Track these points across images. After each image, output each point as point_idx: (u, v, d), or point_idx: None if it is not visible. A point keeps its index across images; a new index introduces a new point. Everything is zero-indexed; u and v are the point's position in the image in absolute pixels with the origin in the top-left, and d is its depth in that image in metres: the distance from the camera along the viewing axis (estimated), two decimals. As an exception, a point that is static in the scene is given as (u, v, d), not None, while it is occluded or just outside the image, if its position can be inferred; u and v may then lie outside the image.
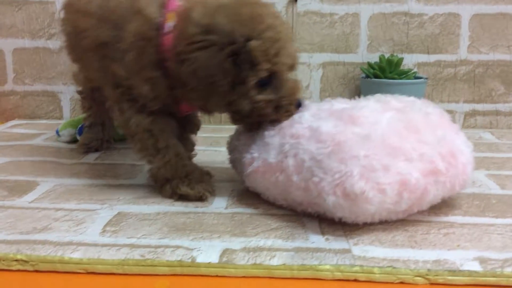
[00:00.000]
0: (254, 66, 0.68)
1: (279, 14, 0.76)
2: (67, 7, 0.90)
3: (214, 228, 0.66)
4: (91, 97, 1.04)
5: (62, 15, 0.93)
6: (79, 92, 1.07)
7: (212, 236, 0.64)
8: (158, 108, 0.75)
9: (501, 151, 1.11)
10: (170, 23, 0.72)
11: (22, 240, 0.62)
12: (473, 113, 1.36)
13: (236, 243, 0.62)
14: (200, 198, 0.76)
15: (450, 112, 1.33)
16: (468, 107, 1.36)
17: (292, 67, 0.73)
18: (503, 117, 1.36)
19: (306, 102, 0.76)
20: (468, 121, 1.37)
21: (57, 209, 0.72)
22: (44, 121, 1.38)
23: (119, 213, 0.71)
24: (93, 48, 0.79)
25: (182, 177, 0.76)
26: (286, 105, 0.72)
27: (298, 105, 0.74)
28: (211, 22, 0.67)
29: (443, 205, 0.77)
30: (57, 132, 1.14)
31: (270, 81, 0.71)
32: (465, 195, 0.82)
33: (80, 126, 1.12)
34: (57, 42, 1.37)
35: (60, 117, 1.41)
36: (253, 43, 0.67)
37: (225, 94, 0.69)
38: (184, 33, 0.68)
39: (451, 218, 0.72)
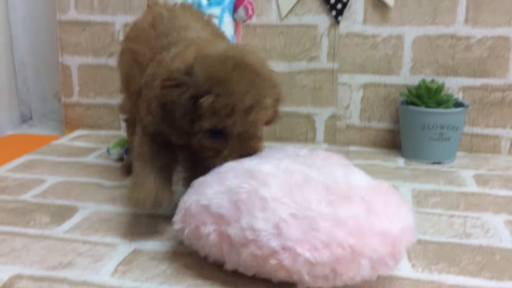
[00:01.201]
0: (203, 117, 0.76)
1: (264, 71, 0.78)
2: (126, 40, 1.01)
3: (214, 273, 0.73)
4: (134, 124, 1.14)
5: (122, 45, 1.03)
6: (125, 120, 1.18)
7: (205, 284, 0.71)
8: (162, 140, 0.84)
9: (536, 189, 1.08)
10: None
11: (46, 277, 0.73)
12: (521, 140, 1.31)
13: (225, 293, 0.68)
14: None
15: (496, 137, 1.31)
16: (516, 133, 1.31)
17: (251, 126, 0.77)
18: (554, 145, 1.30)
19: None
20: (515, 147, 1.32)
21: (85, 242, 0.83)
22: (104, 132, 1.52)
23: (134, 250, 0.80)
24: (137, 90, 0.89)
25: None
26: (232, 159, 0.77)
27: None
28: (189, 68, 0.76)
29: (442, 259, 0.78)
30: (108, 150, 1.26)
31: (222, 133, 0.77)
32: (471, 247, 0.82)
33: (127, 146, 1.23)
34: (116, 60, 1.49)
35: (118, 128, 1.54)
36: (206, 99, 0.74)
37: (184, 127, 0.78)
38: (166, 71, 0.78)
39: (442, 277, 0.73)
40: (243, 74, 0.75)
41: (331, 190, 0.67)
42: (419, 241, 0.84)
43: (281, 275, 0.65)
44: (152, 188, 0.81)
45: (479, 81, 1.31)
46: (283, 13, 1.36)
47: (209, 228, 0.69)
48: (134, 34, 0.97)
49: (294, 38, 1.37)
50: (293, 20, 1.37)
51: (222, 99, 0.74)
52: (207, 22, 0.98)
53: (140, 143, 0.87)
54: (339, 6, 1.33)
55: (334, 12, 1.33)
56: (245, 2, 1.18)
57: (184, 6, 1.00)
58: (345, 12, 1.33)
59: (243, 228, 0.66)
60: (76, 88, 1.55)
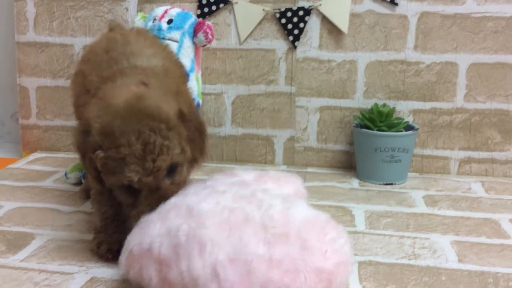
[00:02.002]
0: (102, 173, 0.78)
1: (159, 116, 0.76)
2: (80, 62, 1.00)
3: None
4: None
5: (76, 67, 1.03)
6: None
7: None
8: None
9: (481, 209, 1.13)
10: None
11: (0, 308, 0.72)
12: (469, 160, 1.38)
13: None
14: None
15: (445, 158, 1.37)
16: (463, 154, 1.38)
17: (151, 176, 0.75)
18: (499, 165, 1.37)
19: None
20: (463, 167, 1.38)
21: (41, 271, 0.83)
22: (62, 155, 1.51)
23: (91, 279, 0.81)
24: None
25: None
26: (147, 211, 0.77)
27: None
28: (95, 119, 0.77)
29: (391, 280, 0.82)
30: (66, 174, 1.26)
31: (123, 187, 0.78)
32: (419, 268, 0.86)
33: (84, 170, 1.23)
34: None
35: (78, 150, 1.53)
36: (97, 154, 0.76)
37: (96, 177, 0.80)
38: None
39: (390, 299, 0.77)
40: (132, 123, 0.74)
41: (268, 228, 0.68)
42: (370, 263, 0.88)
43: None
44: (114, 241, 0.86)
45: (428, 105, 1.37)
46: (242, 37, 1.40)
47: (151, 272, 0.70)
48: (87, 58, 0.96)
49: (253, 61, 1.41)
50: (252, 44, 1.40)
51: (110, 152, 0.74)
52: (162, 47, 0.98)
53: (91, 183, 0.89)
54: (296, 31, 1.37)
55: (291, 38, 1.38)
56: (205, 27, 1.21)
57: (139, 31, 1.00)
58: (302, 37, 1.38)
59: (182, 272, 0.67)
60: (34, 110, 1.53)
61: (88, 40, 1.46)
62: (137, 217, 0.77)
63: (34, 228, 0.99)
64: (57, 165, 1.40)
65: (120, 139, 0.73)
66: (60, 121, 1.53)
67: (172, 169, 0.78)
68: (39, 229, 0.99)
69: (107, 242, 0.87)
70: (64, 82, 1.50)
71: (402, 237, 0.99)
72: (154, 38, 1.03)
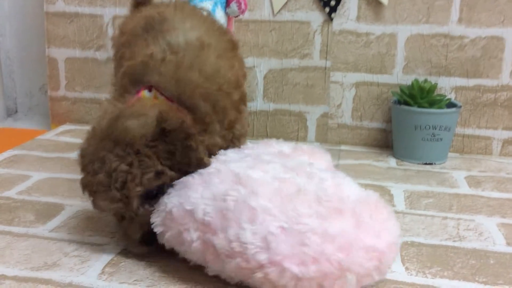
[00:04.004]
0: None
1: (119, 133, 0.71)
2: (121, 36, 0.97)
3: (203, 276, 0.71)
4: None
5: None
6: None
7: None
8: None
9: (529, 191, 1.07)
10: None
11: (30, 277, 0.70)
12: (513, 141, 1.31)
13: (216, 297, 0.67)
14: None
15: (487, 138, 1.30)
16: (507, 134, 1.31)
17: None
18: (545, 147, 1.30)
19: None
20: (506, 148, 1.31)
21: (71, 242, 0.81)
22: (91, 127, 1.49)
23: (122, 251, 0.78)
24: None
25: None
26: None
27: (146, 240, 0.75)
28: None
29: (436, 262, 0.77)
30: (95, 146, 1.23)
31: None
32: (464, 250, 0.81)
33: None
34: (104, 54, 1.46)
35: (106, 123, 1.51)
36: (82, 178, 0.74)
37: None
38: None
39: (436, 281, 0.72)
40: (100, 150, 0.70)
41: (322, 202, 0.65)
42: (413, 244, 0.83)
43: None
44: None
45: (472, 82, 1.30)
46: (276, 8, 1.34)
47: (192, 235, 0.67)
48: (127, 40, 0.90)
49: (287, 34, 1.36)
50: (286, 16, 1.35)
51: (85, 178, 0.73)
52: (203, 19, 0.92)
53: None
54: (332, 2, 1.31)
55: (327, 9, 1.32)
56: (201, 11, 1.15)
57: (177, 4, 0.94)
58: (339, 9, 1.31)
59: (229, 239, 0.64)
60: (63, 82, 1.51)
61: (118, 11, 1.42)
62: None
63: (63, 199, 0.97)
64: (86, 137, 1.38)
65: (90, 166, 0.71)
66: (89, 93, 1.50)
67: (152, 193, 0.72)
68: (69, 200, 0.96)
69: None
70: (93, 54, 1.47)
71: (445, 218, 0.93)
72: (194, 9, 0.97)
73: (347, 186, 0.70)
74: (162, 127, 0.70)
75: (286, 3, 1.34)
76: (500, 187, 1.09)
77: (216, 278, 0.70)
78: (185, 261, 0.74)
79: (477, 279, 0.73)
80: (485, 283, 0.72)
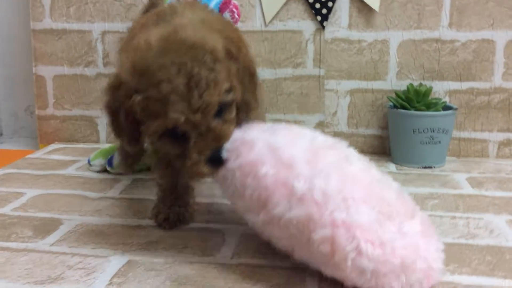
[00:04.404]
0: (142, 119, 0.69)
1: (202, 44, 0.66)
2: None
3: (215, 282, 0.68)
4: None
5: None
6: None
7: (210, 293, 0.66)
8: None
9: (531, 189, 1.07)
10: None
11: (34, 292, 0.66)
12: (508, 143, 1.31)
13: (233, 302, 0.64)
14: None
15: (483, 141, 1.31)
16: (502, 136, 1.31)
17: (199, 115, 0.65)
18: (541, 147, 1.31)
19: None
20: (502, 150, 1.32)
21: (73, 254, 0.77)
22: (81, 145, 1.45)
23: (128, 262, 0.75)
24: None
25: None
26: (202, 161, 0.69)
27: (213, 159, 0.68)
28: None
29: (452, 259, 0.75)
30: (89, 161, 1.20)
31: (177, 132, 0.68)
32: (479, 247, 0.80)
33: (110, 156, 1.17)
34: (93, 70, 1.44)
35: (97, 141, 1.47)
36: (134, 97, 0.66)
37: (132, 133, 0.72)
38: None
39: (456, 278, 0.70)
40: (170, 56, 0.64)
41: (401, 200, 0.66)
42: (426, 243, 0.81)
43: (323, 249, 0.60)
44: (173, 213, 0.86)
45: (465, 85, 1.31)
46: (268, 18, 1.34)
47: (268, 170, 0.63)
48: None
49: (279, 44, 1.35)
50: (277, 25, 1.35)
51: (149, 93, 0.64)
52: (212, 13, 0.90)
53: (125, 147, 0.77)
54: (324, 11, 1.31)
55: (319, 17, 1.32)
56: (231, 6, 1.15)
57: (188, 2, 0.91)
58: (330, 17, 1.32)
59: (313, 186, 0.61)
60: (51, 100, 1.48)
61: (107, 26, 1.41)
62: (192, 169, 0.68)
63: (60, 214, 0.93)
64: (78, 154, 1.34)
65: (158, 75, 0.64)
66: (79, 110, 1.47)
67: (221, 110, 0.68)
68: (66, 215, 0.93)
69: (165, 213, 0.85)
70: (82, 70, 1.44)
71: (454, 217, 0.92)
72: (204, 6, 0.96)
73: (406, 195, 0.71)
74: (229, 50, 0.69)
75: (277, 13, 1.34)
76: (503, 187, 1.08)
77: (232, 284, 0.67)
78: (196, 269, 0.71)
79: (496, 273, 0.72)
80: (505, 277, 0.71)
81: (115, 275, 0.71)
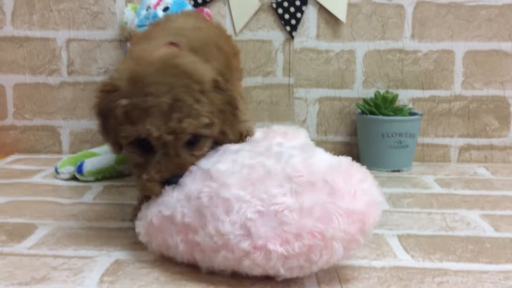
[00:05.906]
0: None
1: (196, 75, 0.70)
2: None
3: (210, 277, 0.67)
4: None
5: None
6: None
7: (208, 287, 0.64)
8: None
9: (495, 188, 1.12)
10: None
11: (21, 292, 0.62)
12: (468, 147, 1.38)
13: (232, 294, 0.63)
14: None
15: (445, 146, 1.36)
16: (463, 141, 1.38)
17: (172, 135, 0.68)
18: (498, 151, 1.37)
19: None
20: (463, 155, 1.38)
21: (56, 256, 0.73)
22: (43, 156, 1.39)
23: (116, 261, 0.72)
24: None
25: None
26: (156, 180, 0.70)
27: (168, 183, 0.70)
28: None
29: (438, 249, 0.78)
30: (56, 169, 1.15)
31: (147, 145, 0.70)
32: (460, 238, 0.83)
33: (79, 163, 1.13)
34: (57, 78, 1.39)
35: (59, 152, 1.42)
36: (121, 101, 0.69)
37: (115, 137, 0.73)
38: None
39: (445, 265, 0.72)
40: (165, 76, 0.68)
41: (293, 178, 0.64)
42: (409, 235, 0.83)
43: (257, 272, 0.63)
44: None
45: (427, 93, 1.37)
46: (238, 28, 1.35)
47: (176, 239, 0.67)
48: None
49: (249, 53, 1.37)
50: (247, 35, 1.36)
51: (136, 100, 0.67)
52: (206, 20, 0.98)
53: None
54: (293, 21, 1.34)
55: (288, 28, 1.35)
56: (203, 14, 1.16)
57: (183, 12, 1.02)
58: (299, 28, 1.35)
59: (211, 234, 0.63)
60: (11, 109, 1.42)
61: (72, 34, 1.37)
62: (145, 184, 0.70)
63: (33, 219, 0.89)
64: (41, 164, 1.29)
65: (149, 88, 0.67)
66: (41, 120, 1.42)
67: (194, 140, 0.70)
68: (40, 220, 0.88)
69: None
70: (45, 79, 1.40)
71: (430, 213, 0.95)
72: (198, 14, 1.00)
73: (317, 158, 0.68)
74: (217, 82, 0.71)
75: (247, 23, 1.35)
76: (470, 186, 1.13)
77: (229, 277, 0.66)
78: (185, 266, 0.70)
79: (480, 260, 0.74)
80: (490, 262, 0.73)
81: (104, 273, 0.68)
